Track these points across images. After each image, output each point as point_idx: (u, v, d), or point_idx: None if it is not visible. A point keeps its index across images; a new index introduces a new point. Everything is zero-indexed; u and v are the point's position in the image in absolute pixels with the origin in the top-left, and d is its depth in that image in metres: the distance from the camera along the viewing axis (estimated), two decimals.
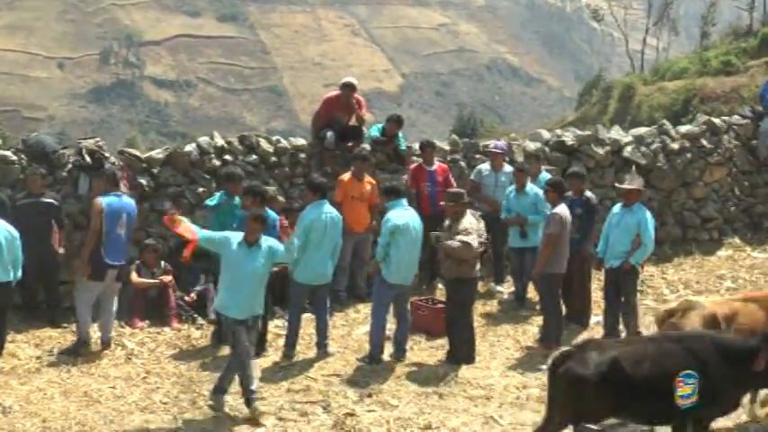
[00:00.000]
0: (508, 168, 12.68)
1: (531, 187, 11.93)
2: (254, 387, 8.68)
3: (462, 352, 10.21)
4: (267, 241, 8.82)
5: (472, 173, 12.88)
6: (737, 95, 25.40)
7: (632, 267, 10.66)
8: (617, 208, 10.90)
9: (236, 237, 8.80)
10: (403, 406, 8.96)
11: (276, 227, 10.45)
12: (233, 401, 8.94)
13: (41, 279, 11.04)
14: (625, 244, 10.58)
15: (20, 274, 9.91)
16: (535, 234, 11.41)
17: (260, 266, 8.73)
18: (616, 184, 11.67)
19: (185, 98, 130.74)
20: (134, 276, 11.32)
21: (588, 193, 11.47)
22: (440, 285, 12.52)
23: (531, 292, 12.32)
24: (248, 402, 8.64)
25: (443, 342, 10.62)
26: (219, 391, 8.78)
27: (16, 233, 9.84)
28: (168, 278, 11.45)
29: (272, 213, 10.44)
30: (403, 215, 10.18)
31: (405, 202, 10.43)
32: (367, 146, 12.82)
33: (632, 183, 10.93)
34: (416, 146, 13.27)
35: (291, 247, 8.98)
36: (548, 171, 12.84)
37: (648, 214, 10.75)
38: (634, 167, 13.13)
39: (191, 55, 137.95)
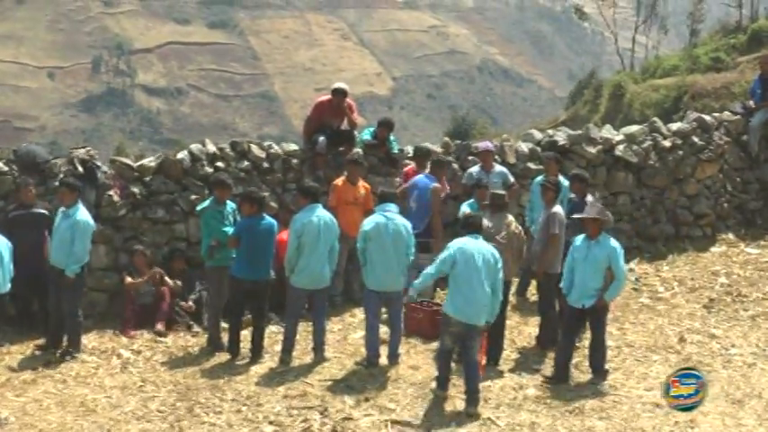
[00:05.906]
0: (498, 168, 12.66)
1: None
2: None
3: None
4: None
5: (464, 176, 12.83)
6: (728, 92, 25.42)
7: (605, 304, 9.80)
8: (579, 240, 9.81)
9: (453, 245, 9.12)
10: (400, 409, 8.95)
11: (274, 232, 10.45)
12: (231, 412, 8.94)
13: (35, 290, 10.99)
14: (597, 280, 9.57)
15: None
16: None
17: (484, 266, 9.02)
18: (574, 215, 10.32)
19: (176, 105, 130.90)
20: (128, 279, 11.29)
21: (590, 197, 11.25)
22: (437, 288, 12.50)
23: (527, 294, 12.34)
24: (471, 402, 8.92)
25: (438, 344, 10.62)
26: (472, 402, 8.96)
27: (10, 245, 9.82)
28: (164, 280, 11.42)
29: (269, 219, 10.44)
30: (373, 220, 10.09)
31: (392, 206, 10.22)
32: (359, 150, 12.82)
33: (591, 211, 9.88)
34: (408, 149, 13.26)
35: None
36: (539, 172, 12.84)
37: (616, 244, 9.69)
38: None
39: (181, 62, 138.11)
